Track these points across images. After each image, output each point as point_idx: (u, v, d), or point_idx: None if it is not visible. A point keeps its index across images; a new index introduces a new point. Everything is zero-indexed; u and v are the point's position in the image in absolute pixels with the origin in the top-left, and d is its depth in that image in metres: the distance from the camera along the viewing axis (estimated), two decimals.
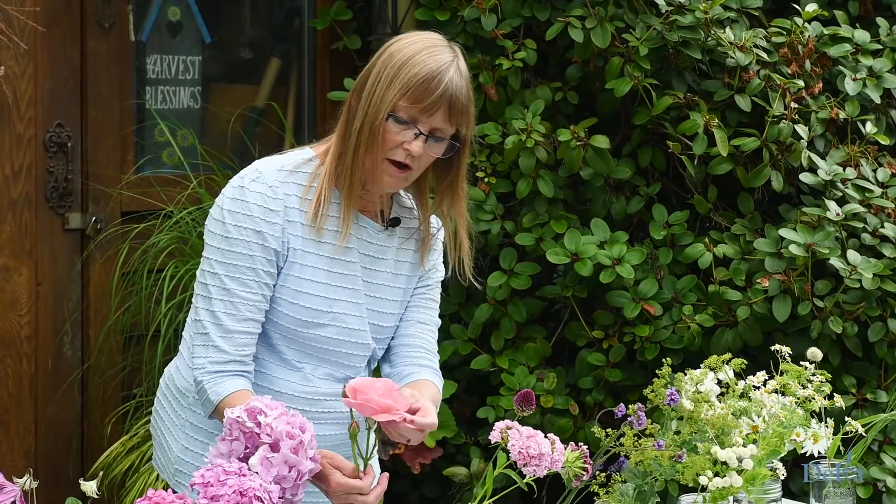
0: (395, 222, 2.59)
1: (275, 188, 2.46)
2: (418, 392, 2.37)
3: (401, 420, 2.17)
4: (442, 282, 2.71)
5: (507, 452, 2.24)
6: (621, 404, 2.37)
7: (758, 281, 3.89)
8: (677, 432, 2.44)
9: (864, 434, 2.61)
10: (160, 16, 4.61)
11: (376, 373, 2.62)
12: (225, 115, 4.67)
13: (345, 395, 2.15)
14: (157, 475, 3.81)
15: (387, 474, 2.31)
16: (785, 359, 2.57)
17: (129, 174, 4.38)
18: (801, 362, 2.56)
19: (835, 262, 3.81)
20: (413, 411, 2.26)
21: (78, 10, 4.30)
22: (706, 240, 4.03)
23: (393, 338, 2.63)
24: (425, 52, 2.43)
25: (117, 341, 4.33)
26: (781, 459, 2.51)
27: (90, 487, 2.10)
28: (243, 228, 2.44)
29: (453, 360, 4.16)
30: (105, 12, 4.34)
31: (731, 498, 2.39)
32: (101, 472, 3.87)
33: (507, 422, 2.26)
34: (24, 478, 2.06)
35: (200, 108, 4.71)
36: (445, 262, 2.67)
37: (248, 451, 2.13)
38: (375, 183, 2.48)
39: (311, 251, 2.48)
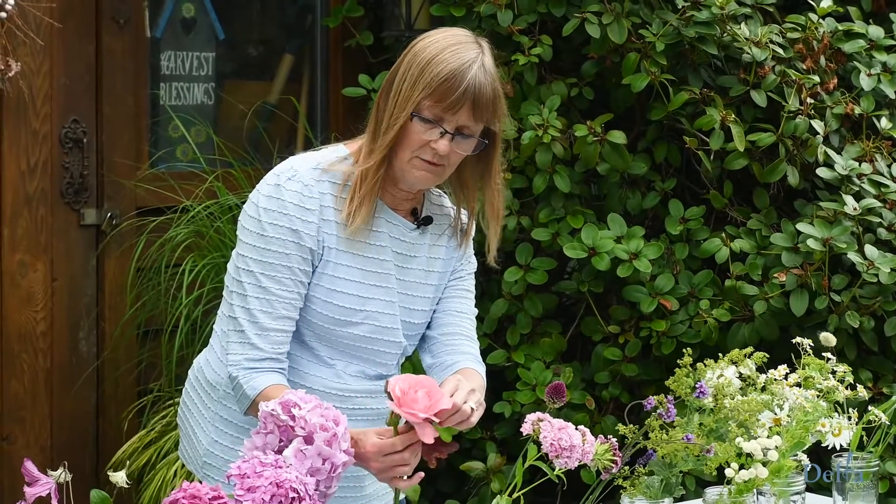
0: (427, 221, 2.59)
1: (310, 187, 2.46)
2: (465, 380, 2.38)
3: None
4: None
5: (539, 444, 2.25)
6: (650, 397, 2.38)
7: (775, 276, 3.89)
8: (700, 424, 2.44)
9: (887, 422, 2.61)
10: (174, 12, 4.62)
11: (405, 368, 2.62)
12: (238, 111, 4.67)
13: (388, 394, 2.17)
14: (176, 471, 3.82)
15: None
16: (807, 351, 2.57)
17: (144, 169, 4.39)
18: (824, 353, 2.57)
19: (852, 256, 3.82)
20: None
21: (93, 6, 4.30)
22: (723, 235, 4.03)
23: (432, 328, 2.64)
24: (449, 51, 2.43)
25: (133, 336, 4.33)
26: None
27: (120, 477, 2.11)
28: (279, 227, 2.44)
29: None
30: (120, 8, 4.35)
31: (755, 490, 2.40)
32: (128, 462, 3.88)
33: (539, 414, 2.27)
34: (59, 471, 2.06)
35: (214, 105, 4.72)
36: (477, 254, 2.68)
37: (282, 444, 2.13)
38: (406, 181, 2.49)
39: (345, 250, 2.49)
